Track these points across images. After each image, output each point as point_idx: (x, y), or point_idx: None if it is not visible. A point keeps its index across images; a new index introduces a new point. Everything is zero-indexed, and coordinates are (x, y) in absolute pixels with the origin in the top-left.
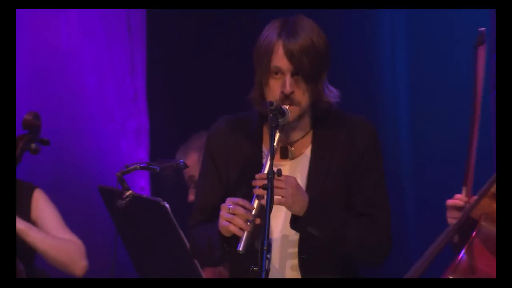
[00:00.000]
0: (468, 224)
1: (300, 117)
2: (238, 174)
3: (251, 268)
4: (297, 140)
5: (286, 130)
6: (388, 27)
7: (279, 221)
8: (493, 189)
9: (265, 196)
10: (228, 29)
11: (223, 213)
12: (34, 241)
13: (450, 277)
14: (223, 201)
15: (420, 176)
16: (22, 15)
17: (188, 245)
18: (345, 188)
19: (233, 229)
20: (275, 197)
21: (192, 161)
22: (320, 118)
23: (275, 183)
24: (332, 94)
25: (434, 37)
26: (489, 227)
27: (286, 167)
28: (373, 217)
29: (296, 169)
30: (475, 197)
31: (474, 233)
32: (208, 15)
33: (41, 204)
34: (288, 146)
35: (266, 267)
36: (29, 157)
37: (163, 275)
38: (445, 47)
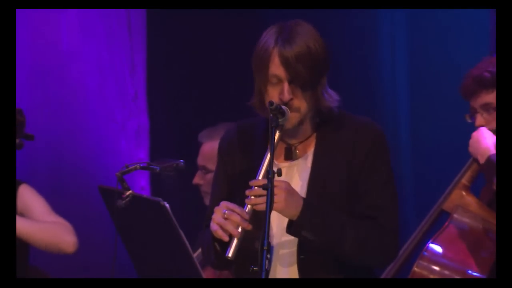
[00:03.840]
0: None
1: (300, 123)
2: (245, 179)
3: (251, 268)
4: (301, 142)
5: (288, 133)
6: (388, 27)
7: (278, 221)
8: (464, 180)
9: (262, 202)
10: (228, 29)
11: (215, 217)
12: (17, 227)
13: (420, 262)
14: None
15: (420, 176)
16: (22, 15)
17: (188, 245)
18: (347, 190)
19: (221, 233)
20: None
21: (209, 147)
22: (323, 121)
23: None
24: (331, 98)
25: (434, 37)
26: (461, 219)
27: (288, 168)
28: (377, 220)
29: (298, 170)
30: None
31: (446, 223)
32: (208, 15)
33: (27, 197)
34: (292, 147)
35: (266, 267)
36: (29, 157)
37: (163, 275)
38: (445, 47)
